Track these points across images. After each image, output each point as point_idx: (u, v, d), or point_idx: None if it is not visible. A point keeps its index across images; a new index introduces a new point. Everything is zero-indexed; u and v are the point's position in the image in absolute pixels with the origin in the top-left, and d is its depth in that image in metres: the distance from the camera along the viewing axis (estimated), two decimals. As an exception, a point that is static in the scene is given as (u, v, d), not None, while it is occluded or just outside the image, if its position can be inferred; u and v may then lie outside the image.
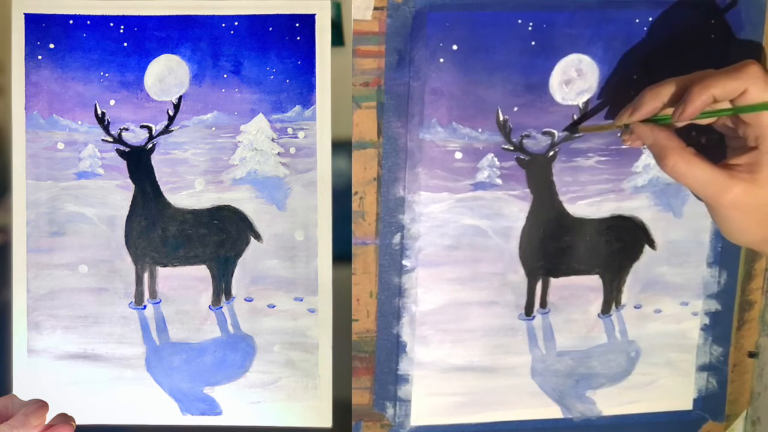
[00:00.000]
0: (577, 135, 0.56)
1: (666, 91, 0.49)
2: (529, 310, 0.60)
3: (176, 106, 0.56)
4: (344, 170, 0.57)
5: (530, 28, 0.54)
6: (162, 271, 0.58)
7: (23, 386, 0.58)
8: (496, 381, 0.60)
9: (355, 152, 0.56)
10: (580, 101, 0.56)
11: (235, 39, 0.56)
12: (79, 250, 0.57)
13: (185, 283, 0.58)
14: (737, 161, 0.48)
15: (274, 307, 0.58)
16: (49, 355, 0.58)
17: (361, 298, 0.59)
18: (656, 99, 0.49)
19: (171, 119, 0.56)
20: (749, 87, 0.46)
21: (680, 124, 0.49)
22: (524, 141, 0.56)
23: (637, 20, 0.55)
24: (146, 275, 0.58)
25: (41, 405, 0.45)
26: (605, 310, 0.60)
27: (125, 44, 0.55)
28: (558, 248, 0.59)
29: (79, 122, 0.56)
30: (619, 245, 0.59)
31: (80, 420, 0.47)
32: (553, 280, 0.59)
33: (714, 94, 0.46)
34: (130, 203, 0.57)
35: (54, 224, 0.57)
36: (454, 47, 0.54)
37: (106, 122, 0.56)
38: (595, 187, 0.58)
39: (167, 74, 0.56)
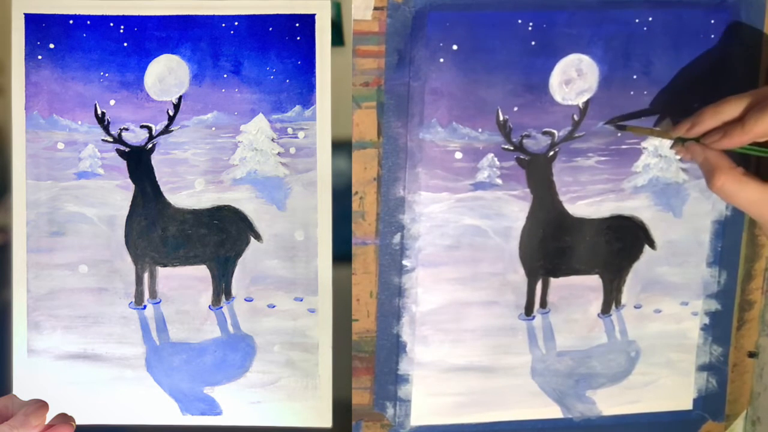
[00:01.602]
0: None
1: (727, 110, 0.48)
2: (529, 310, 0.60)
3: (176, 106, 0.56)
4: (344, 170, 0.57)
5: (530, 28, 0.54)
6: (162, 271, 0.58)
7: (23, 386, 0.58)
8: (496, 381, 0.60)
9: (355, 152, 0.56)
10: (580, 101, 0.56)
11: (235, 39, 0.55)
12: (79, 250, 0.57)
13: (185, 283, 0.58)
14: None
15: (274, 307, 0.58)
16: (49, 355, 0.58)
17: (361, 298, 0.59)
18: (715, 118, 0.49)
19: (171, 119, 0.56)
20: None
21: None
22: (524, 141, 0.56)
23: (637, 20, 0.55)
24: (146, 275, 0.58)
25: (41, 405, 0.45)
26: (605, 310, 0.60)
27: (125, 44, 0.55)
28: (558, 248, 0.59)
29: (79, 122, 0.56)
30: (619, 245, 0.59)
31: (80, 420, 0.47)
32: (553, 280, 0.59)
33: None
34: (130, 203, 0.57)
35: (54, 224, 0.57)
36: (454, 47, 0.54)
37: (106, 122, 0.56)
38: (595, 187, 0.58)
39: (167, 74, 0.56)
